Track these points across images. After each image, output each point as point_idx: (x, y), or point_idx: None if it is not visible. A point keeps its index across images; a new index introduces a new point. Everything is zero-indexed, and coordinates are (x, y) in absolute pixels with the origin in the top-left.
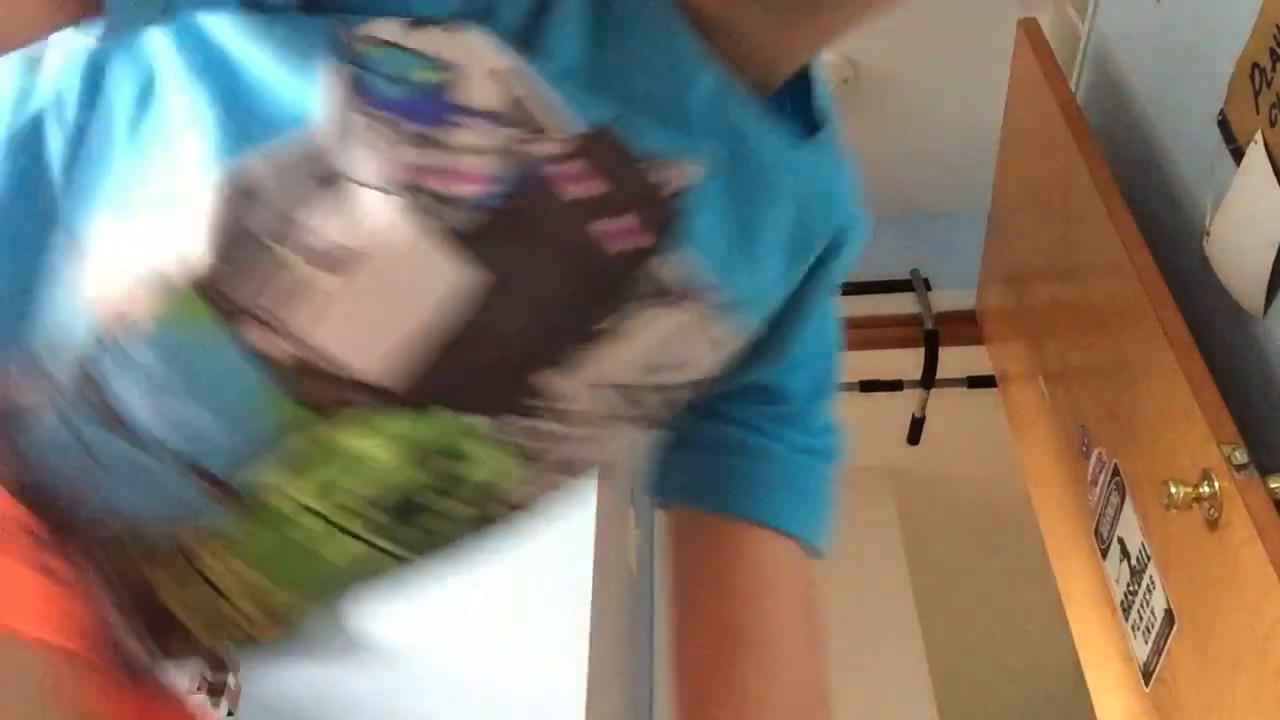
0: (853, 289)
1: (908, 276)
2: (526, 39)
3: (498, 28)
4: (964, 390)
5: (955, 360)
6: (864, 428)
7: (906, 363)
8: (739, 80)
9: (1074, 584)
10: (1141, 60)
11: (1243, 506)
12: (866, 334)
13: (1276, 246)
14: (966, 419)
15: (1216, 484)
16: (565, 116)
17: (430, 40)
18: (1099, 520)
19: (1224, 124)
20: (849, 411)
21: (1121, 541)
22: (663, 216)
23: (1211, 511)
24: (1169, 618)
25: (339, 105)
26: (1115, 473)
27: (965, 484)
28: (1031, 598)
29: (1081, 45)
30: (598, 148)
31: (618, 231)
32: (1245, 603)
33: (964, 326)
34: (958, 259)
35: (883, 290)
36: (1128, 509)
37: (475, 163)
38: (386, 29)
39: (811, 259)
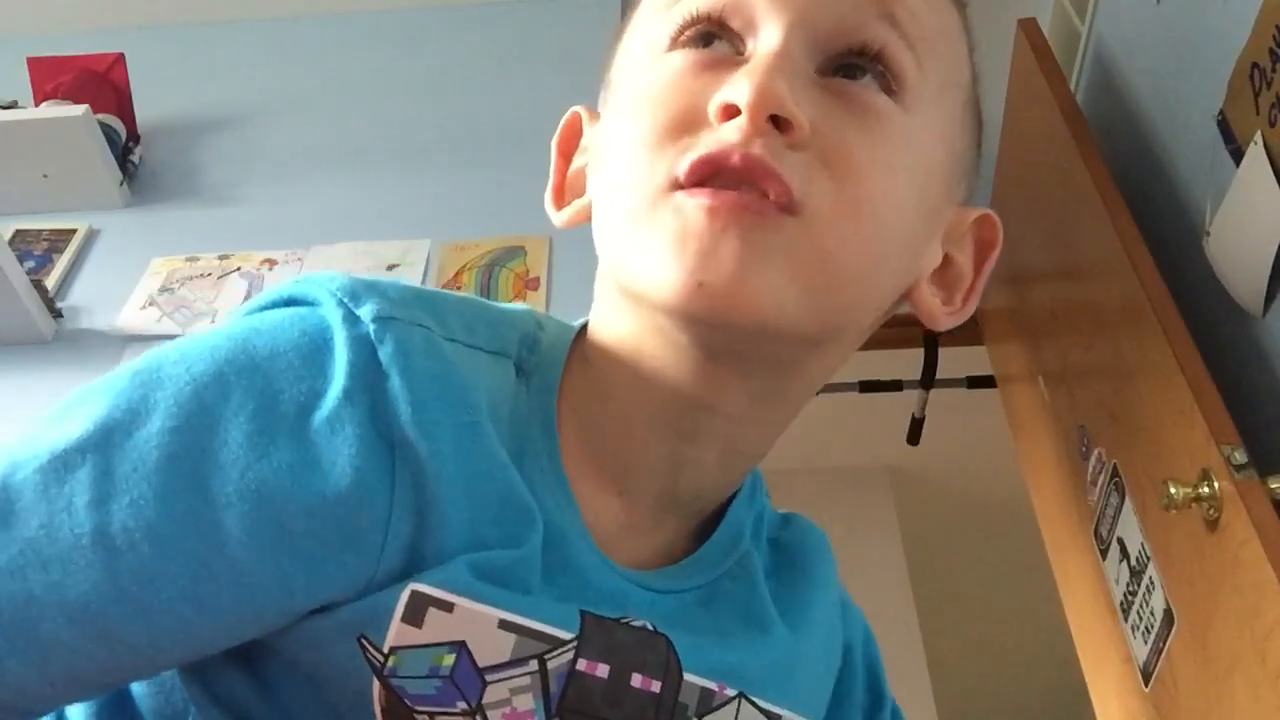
0: None
1: None
2: (507, 578)
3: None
4: (964, 390)
5: (955, 360)
6: (864, 428)
7: (906, 363)
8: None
9: (1073, 584)
10: (1141, 60)
11: (1242, 507)
12: None
13: (1276, 246)
14: (966, 419)
15: (1216, 484)
16: (559, 626)
17: (434, 629)
18: (1098, 520)
19: (1224, 124)
20: (849, 411)
21: (1121, 542)
22: (659, 656)
23: (1211, 512)
24: (1168, 618)
25: (390, 718)
26: (1115, 473)
27: (965, 484)
28: (1031, 598)
29: (1081, 45)
30: (592, 636)
31: (642, 681)
32: (1245, 603)
33: (964, 327)
34: None
35: None
36: (1127, 509)
37: (525, 698)
38: (399, 634)
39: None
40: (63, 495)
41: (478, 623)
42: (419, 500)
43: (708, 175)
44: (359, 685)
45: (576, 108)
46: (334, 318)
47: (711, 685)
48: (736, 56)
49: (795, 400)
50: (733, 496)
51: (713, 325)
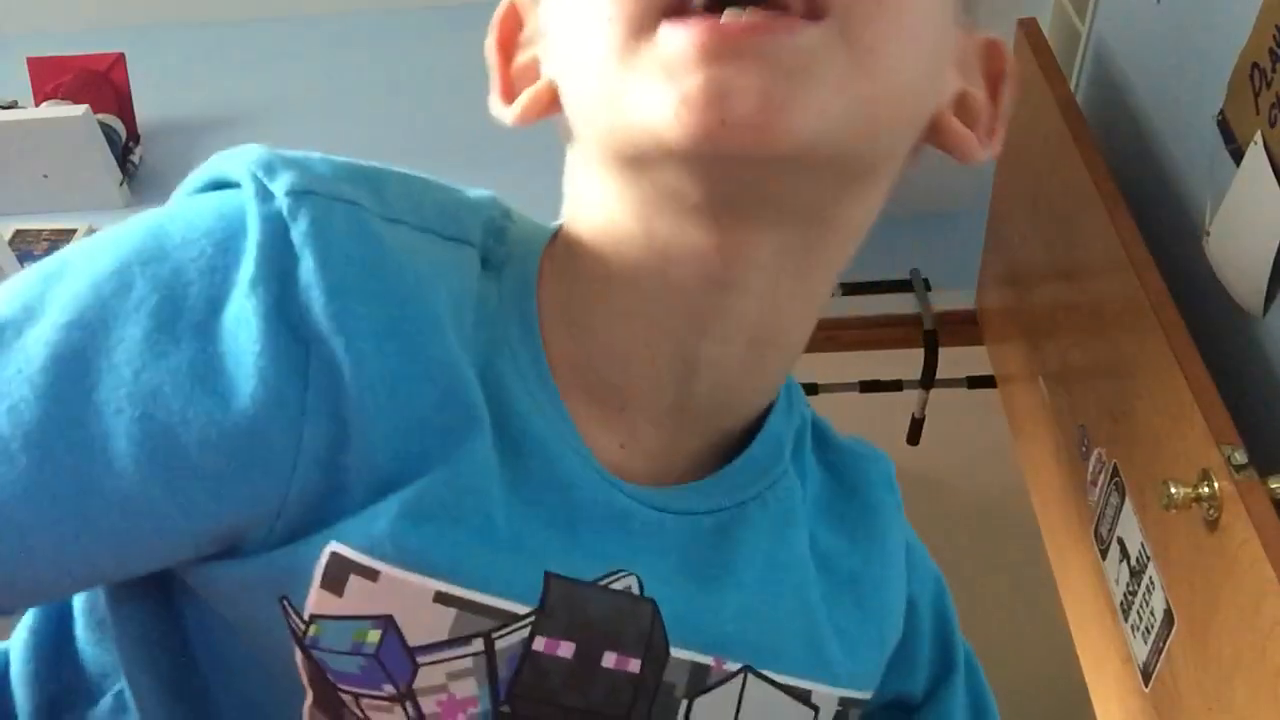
0: (852, 289)
1: (907, 276)
2: (456, 510)
3: (435, 498)
4: (964, 390)
5: (955, 360)
6: (864, 428)
7: (906, 363)
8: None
9: (1073, 584)
10: (1141, 60)
11: (1242, 507)
12: (866, 334)
13: (1276, 246)
14: (966, 419)
15: (1216, 484)
16: (513, 596)
17: (357, 599)
18: (1098, 520)
19: (1224, 124)
20: (849, 411)
21: (1121, 542)
22: (640, 628)
23: (1211, 512)
24: (1168, 618)
25: (319, 690)
26: (1115, 473)
27: (965, 484)
28: (1031, 598)
29: (1081, 45)
30: (556, 607)
31: (616, 660)
32: (1245, 603)
33: (964, 327)
34: (958, 259)
35: (882, 290)
36: (1127, 509)
37: (467, 683)
38: (319, 601)
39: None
40: None
41: (408, 594)
42: (337, 407)
43: None
44: (285, 649)
45: None
46: (248, 197)
47: (706, 659)
48: None
49: (828, 265)
50: (768, 409)
51: (744, 162)
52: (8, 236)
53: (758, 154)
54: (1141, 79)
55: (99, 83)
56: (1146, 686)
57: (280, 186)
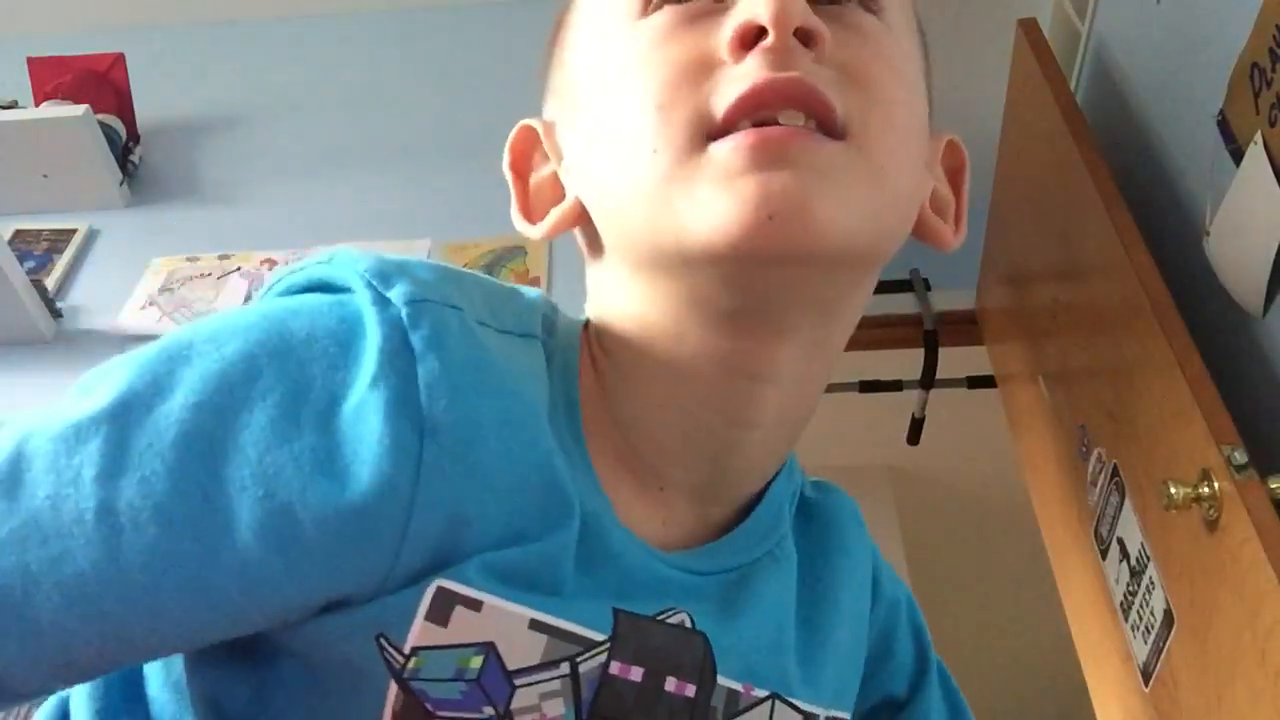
0: None
1: (907, 276)
2: (535, 579)
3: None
4: (964, 390)
5: (955, 360)
6: (864, 428)
7: (906, 363)
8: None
9: (1073, 584)
10: (1141, 60)
11: (1242, 507)
12: (866, 334)
13: (1276, 246)
14: (966, 419)
15: (1216, 484)
16: (591, 627)
17: (461, 628)
18: (1098, 520)
19: (1224, 124)
20: (849, 411)
21: (1121, 542)
22: (695, 657)
23: (1211, 512)
24: (1168, 618)
25: None
26: (1115, 473)
27: (965, 484)
28: (1031, 598)
29: (1081, 45)
30: (626, 636)
31: (676, 685)
32: (1245, 603)
33: (964, 326)
34: (958, 259)
35: (882, 290)
36: (1127, 509)
37: (556, 703)
38: (422, 634)
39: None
40: (72, 467)
41: (507, 622)
42: (453, 492)
43: (750, 110)
44: (373, 689)
45: (525, 121)
46: (364, 302)
47: (737, 686)
48: (717, 5)
49: (835, 348)
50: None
51: (787, 260)
52: (8, 236)
53: (798, 250)
54: (1141, 79)
55: (99, 83)
56: (1146, 686)
57: (398, 295)
